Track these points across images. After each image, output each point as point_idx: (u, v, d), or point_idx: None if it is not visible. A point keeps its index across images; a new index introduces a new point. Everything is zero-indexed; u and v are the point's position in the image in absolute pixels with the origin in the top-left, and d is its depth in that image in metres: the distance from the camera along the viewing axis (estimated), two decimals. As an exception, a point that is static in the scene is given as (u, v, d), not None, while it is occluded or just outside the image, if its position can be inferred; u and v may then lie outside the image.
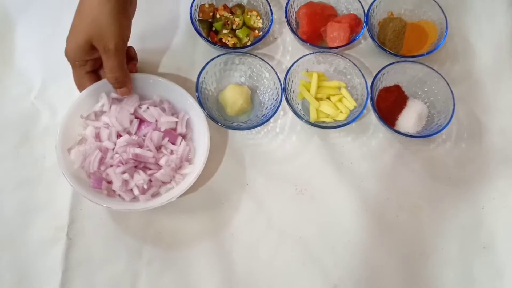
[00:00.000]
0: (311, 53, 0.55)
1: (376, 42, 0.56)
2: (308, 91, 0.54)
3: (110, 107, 0.51)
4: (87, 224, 0.50)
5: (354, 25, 0.56)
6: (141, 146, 0.50)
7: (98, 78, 0.51)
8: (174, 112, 0.53)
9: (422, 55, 0.56)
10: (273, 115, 0.52)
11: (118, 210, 0.50)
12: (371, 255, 0.50)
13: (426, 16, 0.59)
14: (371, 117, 0.55)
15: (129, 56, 0.51)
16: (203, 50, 0.57)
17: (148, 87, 0.52)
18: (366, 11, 0.56)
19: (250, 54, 0.55)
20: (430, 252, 0.51)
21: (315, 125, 0.53)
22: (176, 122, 0.51)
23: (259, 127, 0.54)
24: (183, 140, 0.51)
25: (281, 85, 0.53)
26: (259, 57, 0.54)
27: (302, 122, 0.53)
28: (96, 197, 0.47)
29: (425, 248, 0.51)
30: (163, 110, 0.52)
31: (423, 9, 0.59)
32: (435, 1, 0.58)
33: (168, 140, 0.51)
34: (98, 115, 0.51)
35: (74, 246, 0.49)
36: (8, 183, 0.51)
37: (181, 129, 0.51)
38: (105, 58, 0.45)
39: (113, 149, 0.49)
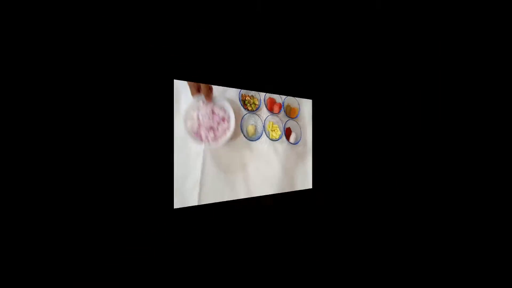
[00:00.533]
0: (271, 115, 1.59)
1: (285, 114, 1.68)
2: (270, 128, 1.58)
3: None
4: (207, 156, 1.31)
5: (279, 106, 1.65)
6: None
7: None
8: (226, 113, 1.42)
9: (294, 117, 1.73)
10: (260, 136, 1.52)
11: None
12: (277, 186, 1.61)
13: (295, 106, 1.76)
14: (283, 138, 1.66)
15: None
16: (241, 111, 1.47)
17: (219, 103, 1.39)
18: (282, 103, 1.67)
19: (255, 113, 1.52)
20: (292, 180, 1.69)
21: (272, 140, 1.58)
22: (224, 117, 1.41)
23: (256, 140, 1.52)
24: (227, 123, 1.42)
25: (263, 126, 1.54)
26: (257, 115, 1.52)
27: (268, 139, 1.56)
28: (197, 140, 1.31)
29: (292, 183, 1.68)
30: (224, 111, 1.40)
31: (295, 103, 1.76)
32: (296, 101, 1.76)
33: (223, 121, 1.40)
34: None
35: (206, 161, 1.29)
36: (179, 145, 1.23)
37: (227, 119, 1.42)
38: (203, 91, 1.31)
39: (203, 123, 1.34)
